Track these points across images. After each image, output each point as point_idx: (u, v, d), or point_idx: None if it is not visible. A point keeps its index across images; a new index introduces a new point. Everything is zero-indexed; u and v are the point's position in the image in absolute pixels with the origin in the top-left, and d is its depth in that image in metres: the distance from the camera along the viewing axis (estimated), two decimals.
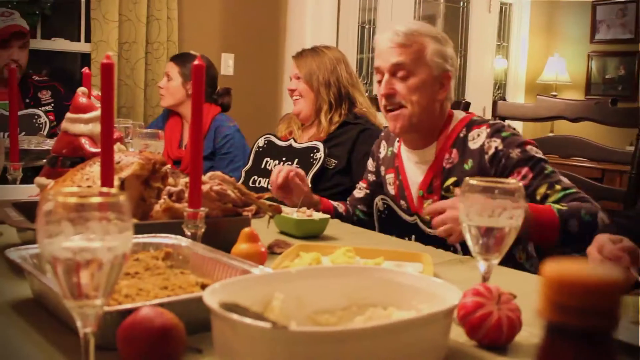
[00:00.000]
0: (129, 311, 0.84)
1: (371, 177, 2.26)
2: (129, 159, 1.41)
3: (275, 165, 2.69)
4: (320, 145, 2.58)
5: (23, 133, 2.86)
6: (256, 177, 2.73)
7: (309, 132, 2.75)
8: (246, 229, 1.34)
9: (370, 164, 2.28)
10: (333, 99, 2.67)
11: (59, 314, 1.00)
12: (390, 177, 2.13)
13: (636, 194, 2.12)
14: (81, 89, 1.72)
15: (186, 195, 1.40)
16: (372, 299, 0.98)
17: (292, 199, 2.07)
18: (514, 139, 1.86)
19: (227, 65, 4.60)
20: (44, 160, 2.07)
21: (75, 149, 1.62)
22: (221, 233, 1.37)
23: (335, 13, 4.74)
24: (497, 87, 6.30)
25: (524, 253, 1.99)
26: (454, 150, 1.93)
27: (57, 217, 0.69)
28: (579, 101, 2.40)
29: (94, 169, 1.38)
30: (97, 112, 1.66)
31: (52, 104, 3.29)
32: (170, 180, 1.50)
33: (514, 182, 1.06)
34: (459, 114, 2.01)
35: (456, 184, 1.88)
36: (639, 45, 5.75)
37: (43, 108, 3.24)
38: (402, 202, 2.06)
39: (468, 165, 1.89)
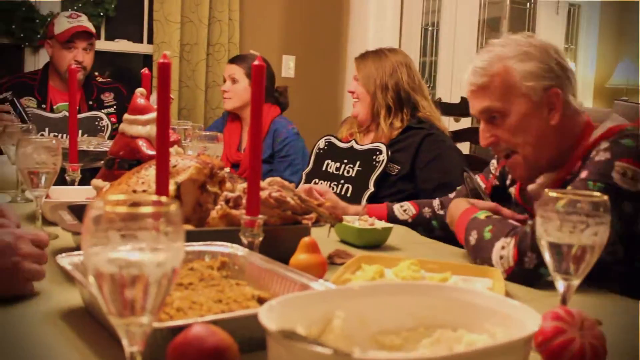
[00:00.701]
0: (180, 328, 0.79)
1: (494, 182, 1.94)
2: (185, 162, 1.36)
3: (336, 167, 2.63)
4: (383, 147, 2.50)
5: (85, 135, 2.87)
6: (317, 180, 2.67)
7: (369, 135, 2.68)
8: (306, 239, 1.28)
9: (494, 166, 1.97)
10: (392, 102, 2.60)
11: (108, 325, 0.95)
12: (513, 191, 1.83)
13: None
14: (139, 90, 1.69)
15: (244, 201, 1.34)
16: (441, 320, 0.90)
17: None
18: (621, 148, 1.47)
19: (288, 67, 4.57)
20: (102, 162, 2.07)
21: (132, 151, 1.59)
22: (279, 242, 1.31)
23: (399, 15, 4.66)
24: None
25: None
26: (579, 163, 1.57)
27: (102, 227, 0.64)
28: None
29: (149, 172, 1.34)
30: (154, 114, 1.62)
31: (115, 106, 3.30)
32: (228, 185, 1.44)
33: (598, 195, 0.97)
34: (604, 126, 1.60)
35: None
36: None
37: (105, 110, 3.25)
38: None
39: (584, 174, 1.50)
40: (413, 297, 0.92)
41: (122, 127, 1.63)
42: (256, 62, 1.20)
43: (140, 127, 1.61)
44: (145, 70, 1.95)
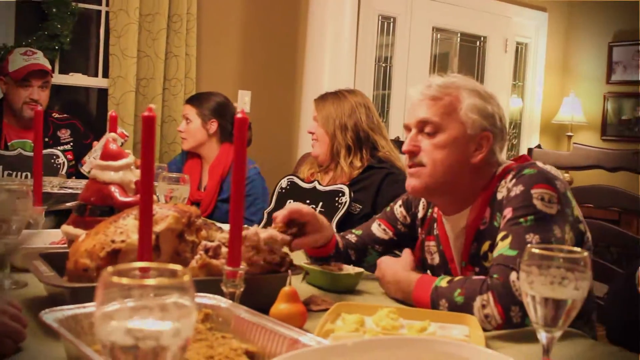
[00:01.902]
0: None
1: (402, 229, 1.99)
2: (163, 211, 1.36)
3: None
4: (346, 189, 2.53)
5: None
6: None
7: (329, 174, 2.72)
8: (286, 288, 1.29)
9: (401, 214, 2.00)
10: (351, 142, 2.64)
11: None
12: (431, 246, 1.87)
13: None
14: (111, 135, 1.68)
15: (223, 251, 1.35)
16: None
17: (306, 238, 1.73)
18: (528, 178, 1.58)
19: (243, 102, 4.58)
20: (68, 204, 2.04)
21: (104, 197, 1.58)
22: (259, 291, 1.31)
23: (354, 51, 4.72)
24: (512, 126, 6.27)
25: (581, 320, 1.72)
26: (488, 208, 1.67)
27: (116, 297, 0.64)
28: (616, 151, 2.35)
29: (127, 221, 1.33)
30: (127, 160, 1.62)
31: (71, 143, 3.26)
32: (203, 232, 1.45)
33: (579, 250, 1.01)
34: (498, 170, 1.72)
35: (491, 247, 1.61)
36: None
37: (62, 147, 3.21)
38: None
39: (497, 221, 1.63)
40: (405, 351, 0.94)
41: (94, 172, 1.61)
42: (239, 115, 1.21)
43: (112, 173, 1.59)
44: (112, 113, 1.94)
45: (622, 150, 2.34)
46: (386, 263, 1.70)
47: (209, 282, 1.27)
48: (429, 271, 1.87)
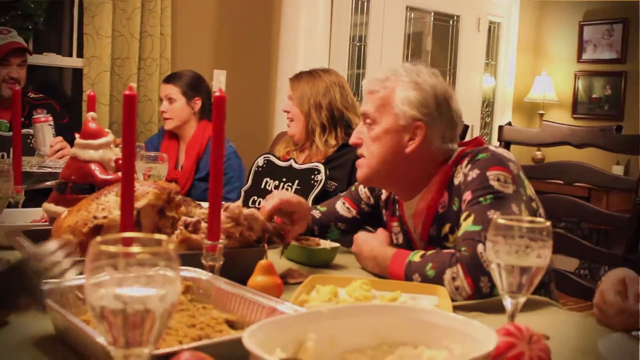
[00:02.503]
0: (168, 355, 0.83)
1: (365, 208, 2.05)
2: (144, 188, 1.40)
3: (275, 185, 2.69)
4: (321, 167, 2.58)
5: None
6: (256, 198, 2.72)
7: (305, 153, 2.76)
8: (262, 261, 1.34)
9: (365, 195, 2.05)
10: (326, 121, 2.69)
11: (82, 350, 0.99)
12: (395, 226, 1.92)
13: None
14: (90, 114, 1.71)
15: (203, 226, 1.39)
16: (403, 338, 0.98)
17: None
18: (482, 161, 1.65)
19: (219, 81, 4.59)
20: (48, 183, 2.07)
21: (85, 175, 1.61)
22: (238, 264, 1.36)
23: (328, 29, 4.74)
24: (485, 105, 6.34)
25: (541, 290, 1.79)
26: (445, 192, 1.74)
27: (104, 265, 0.68)
28: (585, 127, 2.42)
29: (109, 198, 1.37)
30: (107, 138, 1.65)
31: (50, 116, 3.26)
32: (183, 209, 1.49)
33: (541, 221, 1.06)
34: (453, 155, 1.79)
35: (452, 230, 1.70)
36: (625, 66, 5.83)
37: None
38: None
39: (455, 205, 1.70)
40: (377, 318, 0.99)
41: (74, 151, 1.64)
42: (217, 94, 1.25)
43: (92, 152, 1.62)
44: (90, 92, 1.96)
45: (590, 127, 2.41)
46: (363, 239, 1.76)
47: (189, 256, 1.31)
48: None
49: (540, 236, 1.04)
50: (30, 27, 3.84)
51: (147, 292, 0.68)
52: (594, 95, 6.09)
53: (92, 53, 3.98)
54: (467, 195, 1.62)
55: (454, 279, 1.48)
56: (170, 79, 3.40)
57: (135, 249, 0.68)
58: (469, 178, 1.64)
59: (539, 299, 1.48)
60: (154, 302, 0.68)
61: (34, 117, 2.77)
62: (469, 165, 1.67)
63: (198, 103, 3.30)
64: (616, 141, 2.27)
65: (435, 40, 5.97)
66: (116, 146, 1.71)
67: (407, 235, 1.86)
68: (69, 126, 3.30)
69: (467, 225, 1.56)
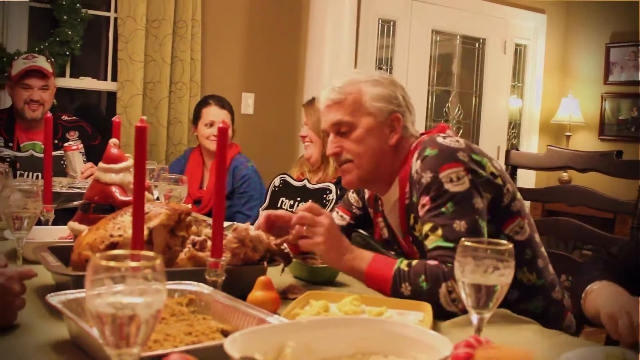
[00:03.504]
0: (160, 357, 0.96)
1: (357, 212, 2.13)
2: (156, 209, 1.54)
3: (290, 205, 2.82)
4: (333, 187, 2.70)
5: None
6: None
7: (318, 174, 2.89)
8: (262, 278, 1.46)
9: (354, 199, 2.13)
10: None
11: (95, 356, 1.12)
12: (380, 221, 2.02)
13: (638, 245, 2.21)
14: (113, 141, 1.86)
15: (209, 244, 1.52)
16: (375, 348, 1.09)
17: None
18: (432, 160, 1.71)
19: (247, 104, 4.76)
20: (75, 203, 2.22)
21: (106, 196, 1.76)
22: (240, 280, 1.49)
23: (354, 53, 4.87)
24: (511, 126, 6.41)
25: (532, 274, 1.86)
26: (408, 184, 1.82)
27: (102, 278, 0.81)
28: (586, 152, 2.51)
29: (125, 218, 1.50)
30: (127, 163, 1.80)
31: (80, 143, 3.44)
32: (194, 228, 1.62)
33: (504, 243, 1.17)
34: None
35: (416, 220, 1.79)
36: None
37: None
38: (396, 247, 1.99)
39: (415, 197, 1.78)
40: (353, 329, 1.10)
41: (97, 174, 1.79)
42: (220, 125, 1.38)
43: (113, 175, 1.78)
44: (116, 118, 2.11)
45: (590, 153, 2.50)
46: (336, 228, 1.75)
47: (196, 272, 1.44)
48: (378, 245, 2.00)
49: (502, 257, 1.15)
50: (67, 53, 4.05)
51: (136, 300, 0.81)
52: (620, 117, 6.11)
53: (125, 77, 4.18)
54: (426, 201, 1.70)
55: (450, 292, 1.57)
56: (226, 106, 3.55)
57: (128, 263, 0.81)
58: (423, 180, 1.71)
59: (522, 319, 1.58)
60: (141, 309, 0.81)
61: (66, 145, 2.95)
62: (419, 162, 1.74)
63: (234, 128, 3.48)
64: (616, 166, 2.36)
65: (461, 63, 6.07)
66: None
67: (391, 228, 1.96)
68: (101, 147, 3.47)
69: (436, 239, 1.65)
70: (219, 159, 1.36)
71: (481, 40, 6.08)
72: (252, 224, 2.94)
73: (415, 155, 1.78)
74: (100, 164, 1.81)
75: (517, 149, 2.72)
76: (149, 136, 4.25)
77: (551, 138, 6.50)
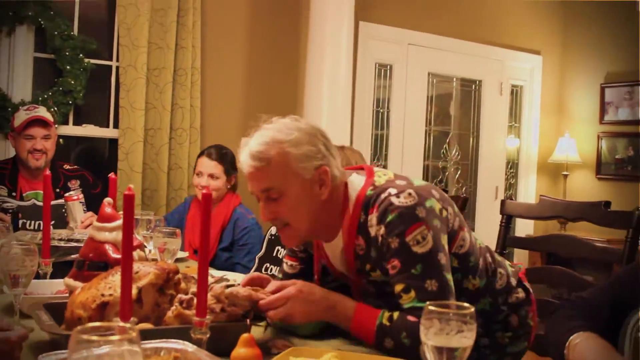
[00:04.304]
0: None
1: (302, 255, 2.12)
2: (146, 269, 1.61)
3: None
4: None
5: (52, 222, 3.10)
6: (269, 265, 2.93)
7: None
8: (245, 335, 1.53)
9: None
10: None
11: None
12: (323, 260, 2.03)
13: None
14: (107, 200, 1.94)
15: (196, 302, 1.59)
16: None
17: None
18: (397, 225, 1.73)
19: None
20: (72, 256, 2.30)
21: (100, 254, 1.84)
22: (224, 337, 1.55)
23: (350, 97, 4.95)
24: (509, 166, 6.49)
25: (476, 279, 1.93)
26: (360, 237, 1.82)
27: (84, 347, 0.89)
28: (577, 202, 2.60)
29: (115, 278, 1.58)
30: (120, 222, 1.88)
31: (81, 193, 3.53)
32: (183, 285, 1.69)
33: (467, 306, 1.24)
34: (353, 192, 1.86)
35: (373, 269, 1.84)
36: None
37: None
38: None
39: (374, 253, 1.81)
40: None
41: (92, 232, 1.88)
42: (204, 191, 1.46)
43: (107, 233, 1.86)
44: (112, 175, 2.20)
45: (581, 203, 2.58)
46: (309, 285, 1.79)
47: (183, 330, 1.51)
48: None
49: (465, 319, 1.22)
50: (70, 102, 4.17)
51: None
52: (617, 156, 6.20)
53: (127, 124, 4.29)
54: (396, 263, 1.73)
55: None
56: (214, 157, 3.55)
57: (105, 338, 0.89)
58: (392, 246, 1.73)
59: None
60: None
61: (66, 195, 3.05)
62: (383, 228, 1.75)
63: (233, 179, 3.54)
64: (604, 216, 2.44)
65: (458, 104, 6.18)
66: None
67: (334, 267, 1.98)
68: (102, 195, 3.57)
69: (410, 300, 1.71)
70: (203, 225, 1.44)
71: (478, 82, 6.20)
72: None
73: (375, 218, 1.78)
74: (95, 223, 1.89)
75: (513, 198, 2.82)
76: (150, 182, 4.36)
77: (549, 177, 6.58)
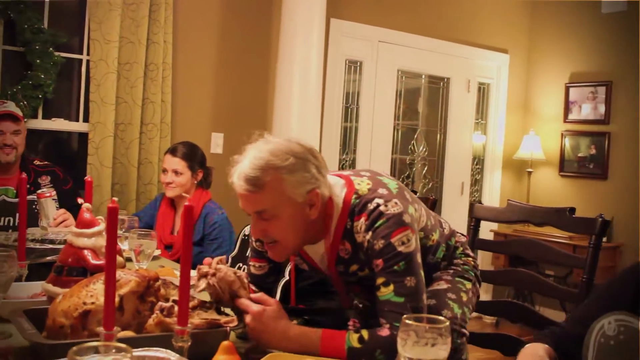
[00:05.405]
0: None
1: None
2: (127, 277, 1.64)
3: None
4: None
5: None
6: (242, 265, 2.96)
7: None
8: (225, 342, 1.57)
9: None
10: None
11: None
12: (297, 259, 2.10)
13: (587, 296, 2.36)
14: (85, 205, 1.96)
15: (176, 309, 1.63)
16: None
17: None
18: (384, 229, 1.81)
19: (216, 144, 4.87)
20: (48, 258, 2.31)
21: (79, 260, 1.86)
22: (204, 344, 1.59)
23: (321, 93, 4.97)
24: (475, 162, 6.59)
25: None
26: (346, 242, 1.90)
27: None
28: (543, 208, 2.66)
29: (97, 286, 1.61)
30: (99, 227, 1.90)
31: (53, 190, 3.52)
32: (162, 291, 1.73)
33: (442, 319, 1.30)
34: (338, 201, 1.90)
35: (361, 268, 1.92)
36: (608, 127, 6.08)
37: None
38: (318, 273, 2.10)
39: (362, 257, 1.89)
40: None
41: (70, 238, 1.89)
42: (186, 203, 1.50)
43: (86, 239, 1.88)
44: (88, 178, 2.21)
45: (547, 208, 2.65)
46: (270, 315, 1.79)
47: (164, 337, 1.55)
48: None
49: (441, 332, 1.28)
50: (40, 96, 4.14)
51: None
52: (580, 154, 6.32)
53: (97, 119, 4.28)
54: (380, 262, 1.81)
55: None
56: (178, 153, 3.59)
57: None
58: (376, 247, 1.81)
59: None
60: None
61: (39, 192, 3.04)
62: (370, 233, 1.82)
63: (200, 175, 3.58)
64: (569, 222, 2.52)
65: (426, 101, 6.26)
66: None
67: (312, 266, 2.06)
68: (73, 191, 3.57)
69: (388, 293, 1.78)
70: (185, 237, 1.48)
71: (446, 79, 6.28)
72: None
73: (362, 226, 1.85)
74: (73, 229, 1.91)
75: (481, 202, 2.88)
76: (120, 177, 4.35)
77: (514, 174, 6.70)
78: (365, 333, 1.76)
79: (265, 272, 2.19)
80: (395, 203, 1.85)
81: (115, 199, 1.44)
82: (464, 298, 2.10)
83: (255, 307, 1.78)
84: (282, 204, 1.81)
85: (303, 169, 1.82)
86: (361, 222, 1.85)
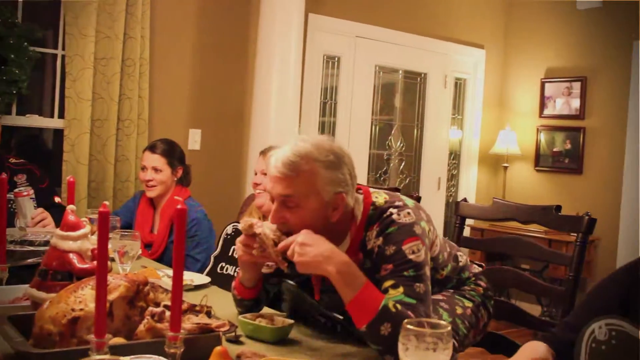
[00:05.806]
0: None
1: None
2: (116, 281, 1.60)
3: None
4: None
5: None
6: (224, 264, 2.93)
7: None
8: (218, 348, 1.54)
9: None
10: None
11: None
12: None
13: (573, 294, 2.37)
14: (70, 207, 1.92)
15: (167, 315, 1.59)
16: None
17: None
18: (395, 236, 1.86)
19: (194, 140, 4.82)
20: (29, 261, 2.26)
21: (64, 263, 1.81)
22: (197, 349, 1.56)
23: (299, 88, 4.95)
24: (452, 157, 6.61)
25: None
26: (360, 253, 1.94)
27: None
28: (529, 206, 2.66)
29: (85, 291, 1.57)
30: (84, 230, 1.85)
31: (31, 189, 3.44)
32: (151, 295, 1.69)
33: (443, 324, 1.28)
34: (358, 212, 1.96)
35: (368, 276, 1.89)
36: (583, 122, 6.13)
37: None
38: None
39: (367, 264, 1.91)
40: None
41: (55, 241, 1.84)
42: (178, 206, 1.46)
43: (71, 242, 1.83)
44: (70, 178, 2.16)
45: (533, 206, 2.65)
46: (320, 236, 1.83)
47: (155, 344, 1.51)
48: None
49: (443, 337, 1.26)
50: (14, 91, 4.05)
51: None
52: (555, 149, 6.37)
53: (73, 115, 4.20)
54: (389, 267, 1.84)
55: None
56: (157, 150, 3.53)
57: None
58: (387, 253, 1.85)
59: None
60: None
61: (16, 191, 2.97)
62: (381, 239, 1.88)
63: (180, 172, 3.53)
64: (555, 220, 2.53)
65: (403, 96, 6.25)
66: (92, 234, 1.92)
67: None
68: (49, 190, 3.50)
69: (397, 294, 1.78)
70: (178, 242, 1.44)
71: (423, 75, 6.28)
72: (201, 268, 3.00)
73: (375, 232, 1.90)
74: (58, 231, 1.86)
75: (467, 200, 2.88)
76: (96, 174, 4.29)
77: (490, 169, 6.74)
78: (399, 305, 1.76)
79: (271, 271, 2.17)
80: (408, 213, 1.90)
81: (107, 202, 1.40)
82: (458, 311, 2.11)
83: (299, 238, 1.82)
84: (309, 196, 1.86)
85: (338, 170, 1.89)
86: (373, 230, 1.91)
